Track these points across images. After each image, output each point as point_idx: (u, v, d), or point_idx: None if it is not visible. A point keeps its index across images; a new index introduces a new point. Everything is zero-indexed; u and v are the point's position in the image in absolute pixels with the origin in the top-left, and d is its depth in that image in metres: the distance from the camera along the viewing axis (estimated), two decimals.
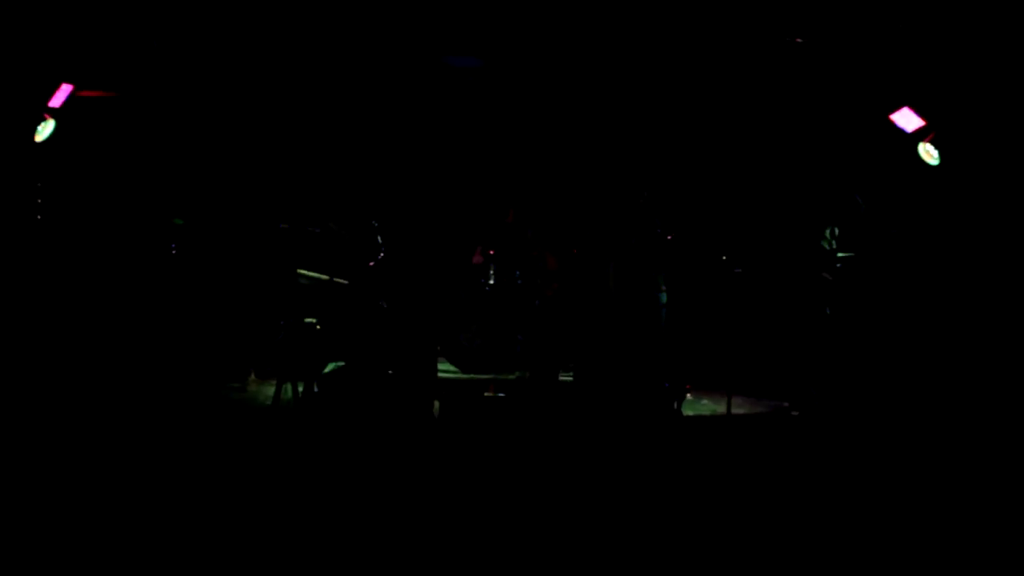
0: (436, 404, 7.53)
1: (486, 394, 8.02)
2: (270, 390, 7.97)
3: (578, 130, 9.36)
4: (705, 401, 8.46)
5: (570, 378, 8.45)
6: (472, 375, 9.01)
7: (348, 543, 4.80)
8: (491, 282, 9.10)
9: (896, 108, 7.85)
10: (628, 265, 7.85)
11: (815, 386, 8.04)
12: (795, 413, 8.03)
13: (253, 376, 8.94)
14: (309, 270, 8.52)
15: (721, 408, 7.93)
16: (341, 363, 8.20)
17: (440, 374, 8.72)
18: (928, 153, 7.73)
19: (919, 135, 7.75)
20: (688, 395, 8.26)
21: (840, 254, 8.02)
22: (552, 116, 9.45)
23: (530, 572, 4.52)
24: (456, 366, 9.17)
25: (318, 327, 8.23)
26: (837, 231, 8.02)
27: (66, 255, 8.18)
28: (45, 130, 7.92)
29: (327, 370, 7.97)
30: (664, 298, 7.98)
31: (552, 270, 7.54)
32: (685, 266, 8.04)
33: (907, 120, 7.79)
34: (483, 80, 9.25)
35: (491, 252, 8.90)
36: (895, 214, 8.31)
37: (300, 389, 7.63)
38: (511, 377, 8.79)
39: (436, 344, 8.73)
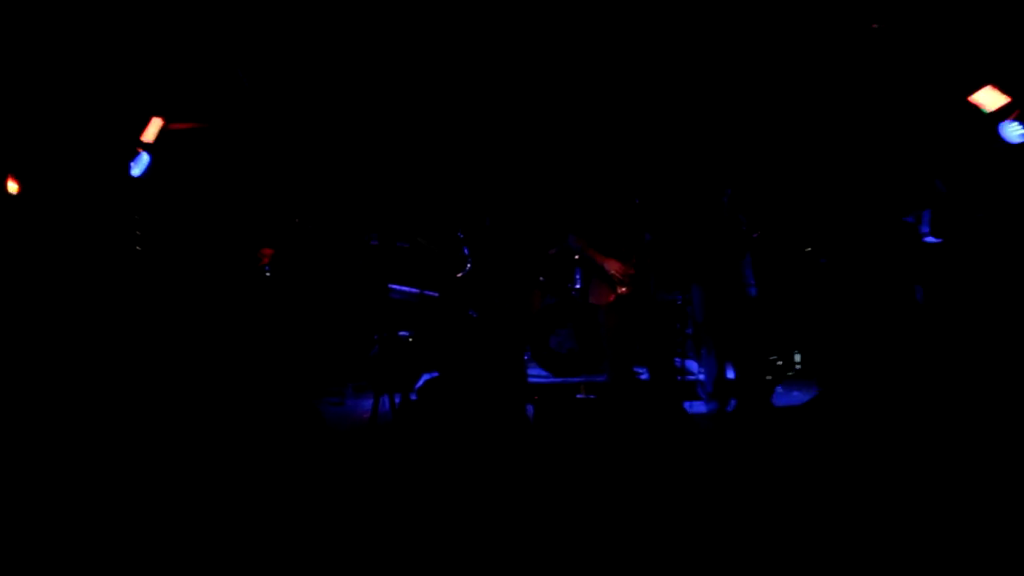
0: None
1: (577, 396, 8.40)
2: (367, 403, 8.12)
3: (654, 129, 9.42)
4: (796, 393, 8.47)
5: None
6: (563, 379, 9.04)
7: (456, 539, 4.97)
8: (578, 287, 9.23)
9: (975, 90, 7.77)
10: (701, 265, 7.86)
11: (905, 372, 7.97)
12: None
13: (351, 389, 9.11)
14: (400, 284, 8.76)
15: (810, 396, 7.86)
16: (434, 374, 8.47)
17: (532, 379, 8.85)
18: (1014, 130, 7.64)
19: (1002, 113, 7.67)
20: (778, 387, 8.34)
21: (928, 240, 8.04)
22: (628, 116, 9.52)
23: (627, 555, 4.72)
24: (548, 370, 9.21)
25: (411, 340, 8.44)
26: (926, 217, 8.03)
27: (167, 283, 8.45)
28: (140, 164, 8.23)
29: (421, 381, 8.18)
30: (754, 292, 7.94)
31: (615, 275, 7.45)
32: (772, 260, 8.05)
33: (990, 99, 7.72)
34: (559, 80, 9.39)
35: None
36: (980, 197, 8.18)
37: (397, 400, 7.78)
38: (601, 379, 8.81)
39: (526, 350, 8.84)
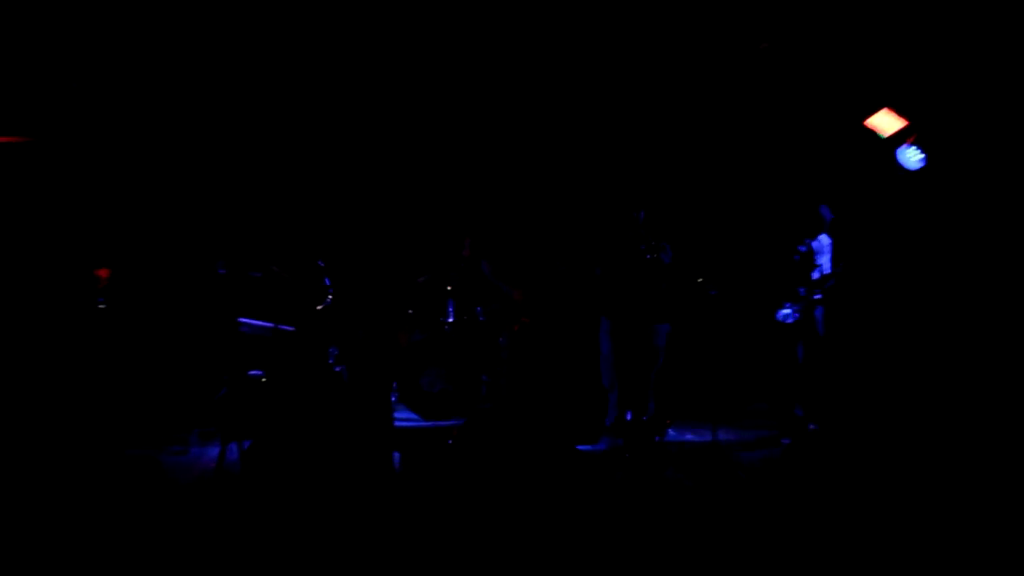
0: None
1: (450, 442, 7.78)
2: (215, 451, 7.82)
3: (562, 148, 9.53)
4: (689, 436, 8.59)
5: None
6: (435, 422, 9.04)
7: None
8: (450, 320, 9.18)
9: (871, 113, 7.99)
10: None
11: (804, 410, 8.25)
12: (785, 440, 8.09)
13: (196, 437, 8.84)
14: (251, 318, 8.54)
15: (706, 438, 8.12)
16: (290, 417, 8.17)
17: (400, 423, 8.73)
18: (912, 156, 7.82)
19: (899, 138, 7.84)
20: (670, 429, 8.39)
21: (826, 271, 8.16)
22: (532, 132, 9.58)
23: None
24: (418, 413, 9.17)
25: (264, 380, 8.22)
26: (827, 247, 8.18)
27: None
28: None
29: (272, 426, 7.92)
30: (667, 327, 8.14)
31: (519, 302, 7.62)
32: (678, 290, 8.22)
33: (886, 122, 7.90)
34: (437, 94, 9.38)
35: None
36: (878, 224, 8.50)
37: (246, 448, 7.34)
38: None
39: (393, 390, 8.79)
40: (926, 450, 7.11)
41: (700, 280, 7.87)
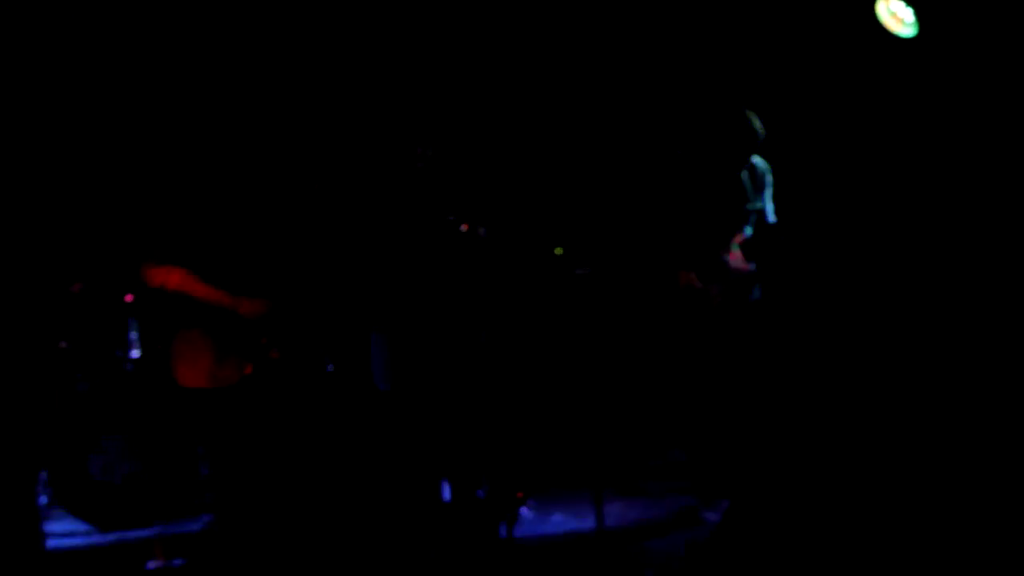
0: None
1: (150, 566, 6.06)
2: None
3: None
4: (558, 518, 6.48)
5: None
6: (121, 533, 6.71)
7: None
8: (134, 353, 6.79)
9: None
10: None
11: (740, 461, 6.04)
12: (710, 515, 5.95)
13: None
14: None
15: (587, 524, 6.04)
16: None
17: (57, 541, 6.46)
18: (895, 17, 5.66)
19: None
20: (525, 509, 6.29)
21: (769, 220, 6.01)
22: None
23: None
24: (88, 521, 6.84)
25: None
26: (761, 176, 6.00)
27: None
28: None
29: None
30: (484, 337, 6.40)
31: (253, 316, 5.34)
32: (501, 271, 6.19)
33: None
34: None
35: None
36: (850, 138, 6.33)
37: None
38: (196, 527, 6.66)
39: (40, 486, 6.64)
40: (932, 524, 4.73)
41: (558, 252, 5.88)
